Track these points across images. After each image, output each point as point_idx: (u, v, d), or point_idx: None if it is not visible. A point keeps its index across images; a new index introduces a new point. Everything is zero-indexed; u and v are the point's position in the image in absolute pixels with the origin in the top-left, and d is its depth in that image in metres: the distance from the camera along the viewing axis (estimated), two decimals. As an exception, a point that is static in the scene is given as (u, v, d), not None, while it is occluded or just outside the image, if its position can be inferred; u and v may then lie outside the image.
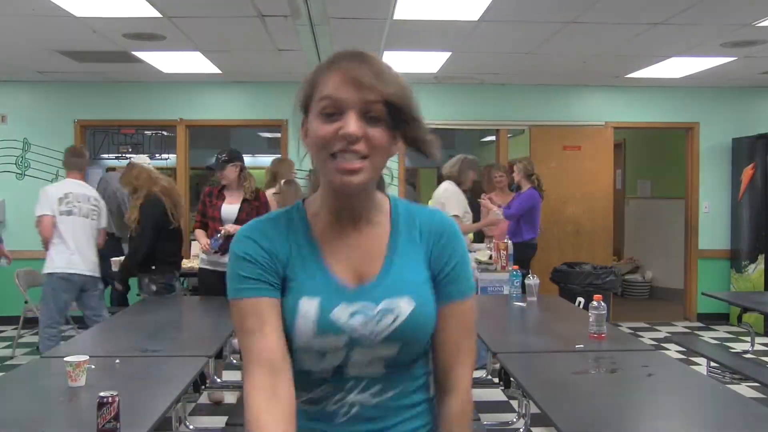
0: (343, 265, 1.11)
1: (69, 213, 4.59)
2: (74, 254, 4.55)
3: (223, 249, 4.35)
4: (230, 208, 4.46)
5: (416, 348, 1.12)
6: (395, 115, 1.03)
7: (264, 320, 1.06)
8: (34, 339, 6.01)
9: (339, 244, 1.12)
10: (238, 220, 4.37)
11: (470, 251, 5.71)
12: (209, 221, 4.49)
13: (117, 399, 1.84)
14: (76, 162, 4.79)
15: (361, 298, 1.08)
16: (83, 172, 4.82)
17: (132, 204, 4.45)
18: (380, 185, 1.19)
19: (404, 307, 1.07)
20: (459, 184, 5.21)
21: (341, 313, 1.07)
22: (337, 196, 1.09)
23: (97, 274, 4.71)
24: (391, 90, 1.01)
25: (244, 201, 4.46)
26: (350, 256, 1.11)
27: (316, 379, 1.11)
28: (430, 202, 5.27)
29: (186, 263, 5.76)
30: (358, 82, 1.01)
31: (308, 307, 1.06)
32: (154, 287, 4.39)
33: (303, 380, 1.11)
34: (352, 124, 1.00)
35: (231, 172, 4.46)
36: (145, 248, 4.33)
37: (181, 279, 5.99)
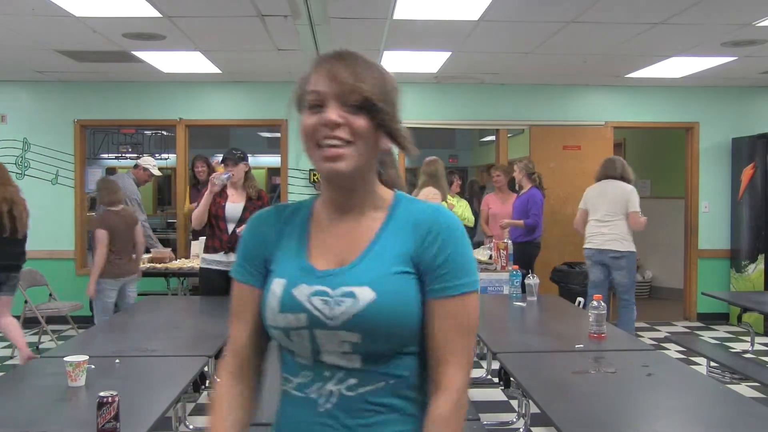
0: (323, 252, 1.17)
1: None
2: None
3: (226, 248, 4.40)
4: (234, 206, 4.49)
5: (382, 340, 1.10)
6: (371, 107, 1.10)
7: (241, 308, 1.22)
8: (34, 339, 6.02)
9: (327, 234, 1.19)
10: (242, 219, 4.39)
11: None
12: (212, 219, 4.51)
13: (117, 399, 1.85)
14: None
15: (323, 282, 1.13)
16: None
17: None
18: (394, 182, 1.26)
19: (363, 295, 1.09)
20: (629, 182, 5.38)
21: (301, 292, 1.13)
22: (331, 187, 1.18)
23: None
24: (365, 87, 1.10)
25: (249, 200, 4.51)
26: (334, 245, 1.17)
27: (299, 364, 1.15)
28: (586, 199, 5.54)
29: (186, 263, 5.78)
30: (336, 78, 1.10)
31: (276, 287, 1.15)
32: None
33: (289, 365, 1.17)
34: (331, 112, 1.09)
35: (242, 170, 4.53)
36: None
37: (182, 279, 6.00)
